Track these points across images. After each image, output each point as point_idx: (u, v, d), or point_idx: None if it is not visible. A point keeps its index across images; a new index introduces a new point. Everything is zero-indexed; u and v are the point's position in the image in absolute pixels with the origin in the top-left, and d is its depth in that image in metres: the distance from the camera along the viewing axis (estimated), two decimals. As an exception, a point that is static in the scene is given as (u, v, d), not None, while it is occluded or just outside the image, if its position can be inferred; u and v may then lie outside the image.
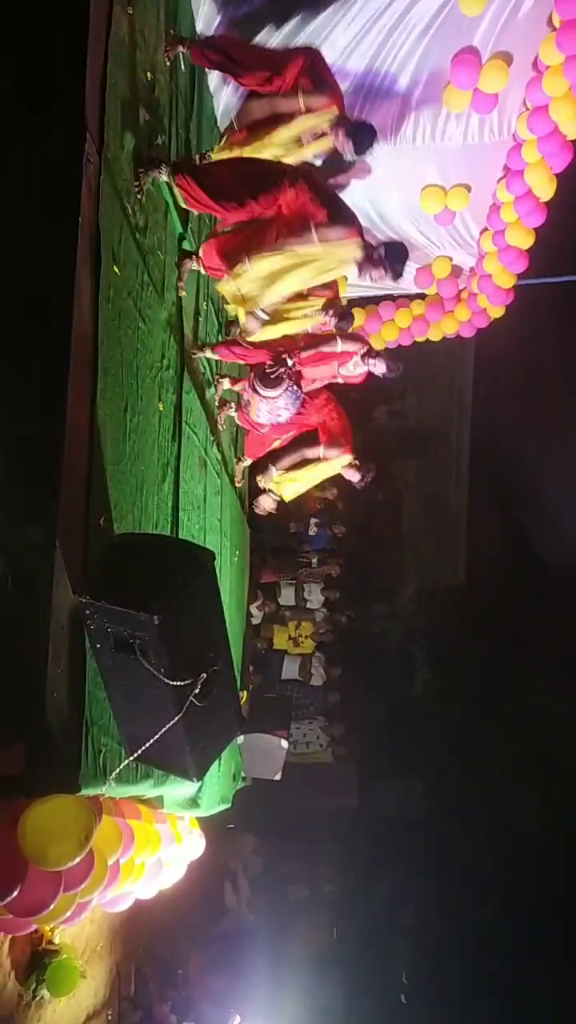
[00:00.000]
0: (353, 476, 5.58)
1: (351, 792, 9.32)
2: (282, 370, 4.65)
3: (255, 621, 8.84)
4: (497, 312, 6.39)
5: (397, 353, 7.14)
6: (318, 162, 4.83)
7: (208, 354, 4.98)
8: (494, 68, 4.59)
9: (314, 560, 9.48)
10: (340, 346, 5.05)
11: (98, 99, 3.20)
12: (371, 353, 5.12)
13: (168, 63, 4.19)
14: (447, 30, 4.59)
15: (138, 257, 3.62)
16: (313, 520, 9.50)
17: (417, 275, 6.40)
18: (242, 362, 5.21)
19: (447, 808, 9.32)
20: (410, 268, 6.30)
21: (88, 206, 3.04)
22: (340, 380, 5.37)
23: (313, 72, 4.32)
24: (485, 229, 5.80)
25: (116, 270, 3.27)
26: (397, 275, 4.34)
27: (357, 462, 5.50)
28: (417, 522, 10.89)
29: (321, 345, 5.02)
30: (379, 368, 5.08)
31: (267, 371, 4.67)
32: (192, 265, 4.44)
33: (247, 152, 4.38)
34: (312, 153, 4.51)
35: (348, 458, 5.47)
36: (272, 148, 4.35)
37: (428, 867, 9.37)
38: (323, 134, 4.37)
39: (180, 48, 4.29)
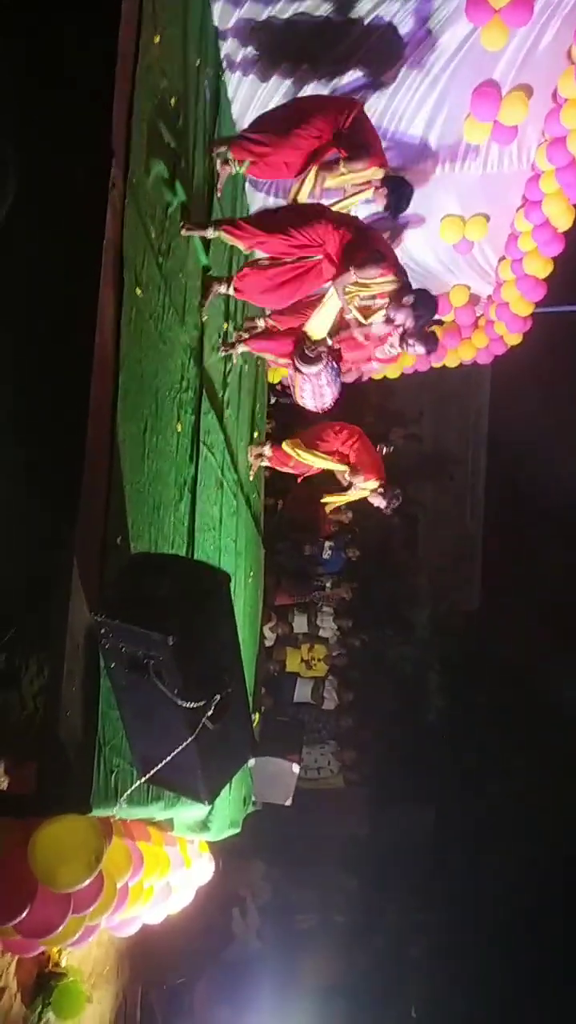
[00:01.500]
0: (380, 502, 5.66)
1: (362, 819, 9.21)
2: (321, 348, 4.71)
3: (268, 643, 8.80)
4: (514, 339, 6.42)
5: (415, 379, 7.18)
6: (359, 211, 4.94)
7: (241, 349, 5.09)
8: (514, 101, 4.64)
9: (328, 583, 9.45)
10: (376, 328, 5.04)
11: (124, 124, 3.26)
12: (408, 333, 5.06)
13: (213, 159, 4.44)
14: (469, 63, 4.65)
15: (160, 280, 3.66)
16: (328, 544, 9.48)
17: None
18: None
19: (459, 838, 9.19)
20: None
21: (112, 229, 3.08)
22: (375, 365, 5.38)
23: (351, 138, 4.45)
24: (503, 258, 5.84)
25: (138, 292, 3.31)
26: (417, 327, 4.39)
27: (383, 488, 5.57)
28: (432, 547, 10.86)
29: (356, 326, 4.96)
30: (419, 349, 5.03)
31: (305, 350, 4.73)
32: (222, 289, 4.50)
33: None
34: (352, 204, 4.69)
35: (374, 483, 5.53)
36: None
37: (439, 898, 9.21)
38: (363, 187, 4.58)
39: (223, 149, 4.50)
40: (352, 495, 5.86)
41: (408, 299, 4.30)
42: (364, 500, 5.91)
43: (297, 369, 4.77)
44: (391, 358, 5.34)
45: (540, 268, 5.52)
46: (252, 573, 6.37)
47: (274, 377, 7.16)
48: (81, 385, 2.78)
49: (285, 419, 7.16)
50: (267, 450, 5.94)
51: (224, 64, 4.87)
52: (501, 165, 5.08)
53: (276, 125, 4.48)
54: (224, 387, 5.11)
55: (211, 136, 4.66)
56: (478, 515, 10.75)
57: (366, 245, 4.23)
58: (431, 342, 4.82)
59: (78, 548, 2.66)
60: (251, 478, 6.28)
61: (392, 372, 7.06)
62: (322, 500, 6.16)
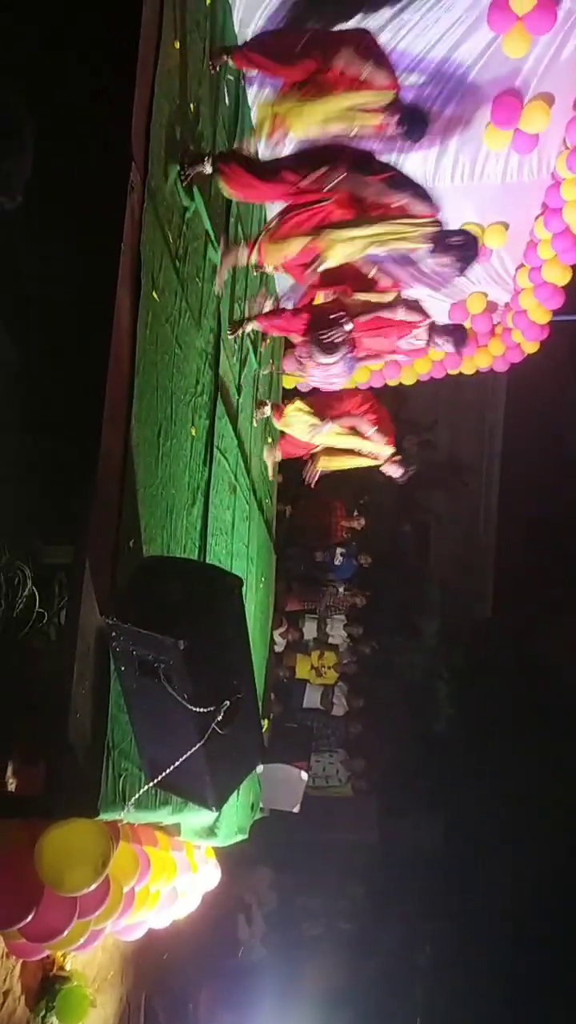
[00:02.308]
0: (395, 471, 5.59)
1: (370, 828, 9.17)
2: (339, 335, 4.48)
3: (278, 649, 8.78)
4: (531, 347, 6.39)
5: (430, 387, 7.16)
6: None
7: (249, 327, 4.98)
8: (536, 109, 4.63)
9: (340, 589, 9.43)
10: (401, 314, 4.89)
11: (143, 129, 3.27)
12: (436, 328, 4.93)
13: (213, 73, 4.23)
14: (490, 70, 4.63)
15: (177, 284, 3.67)
16: (340, 550, 9.46)
17: (451, 310, 6.42)
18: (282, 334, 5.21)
19: (468, 847, 9.12)
20: (444, 303, 6.33)
21: (130, 233, 3.09)
22: (399, 357, 5.31)
23: (369, 51, 4.21)
24: (521, 265, 5.82)
25: (155, 296, 3.31)
26: (464, 267, 4.30)
27: (399, 457, 5.46)
28: (444, 555, 10.80)
29: (380, 310, 4.85)
30: (447, 347, 4.96)
31: (323, 337, 4.51)
32: (241, 255, 4.40)
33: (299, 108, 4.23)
34: (359, 126, 4.33)
35: (390, 450, 5.43)
36: (322, 112, 4.21)
37: (446, 907, 9.15)
38: (373, 111, 4.21)
39: (224, 58, 4.27)
40: (356, 461, 5.64)
41: (456, 239, 4.23)
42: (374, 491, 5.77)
43: (311, 357, 4.63)
44: (416, 350, 5.22)
45: (559, 276, 5.50)
46: (263, 578, 6.36)
47: (288, 383, 7.15)
48: (96, 388, 2.79)
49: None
50: (268, 409, 5.70)
51: (244, 70, 4.88)
52: (521, 174, 5.06)
53: (283, 44, 4.28)
54: (239, 392, 5.11)
55: (231, 142, 4.67)
56: (491, 524, 10.69)
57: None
58: (460, 335, 4.78)
59: (90, 550, 2.65)
60: (271, 477, 6.25)
61: (408, 378, 7.04)
62: (317, 464, 5.83)
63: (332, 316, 4.64)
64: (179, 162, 3.80)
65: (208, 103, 4.23)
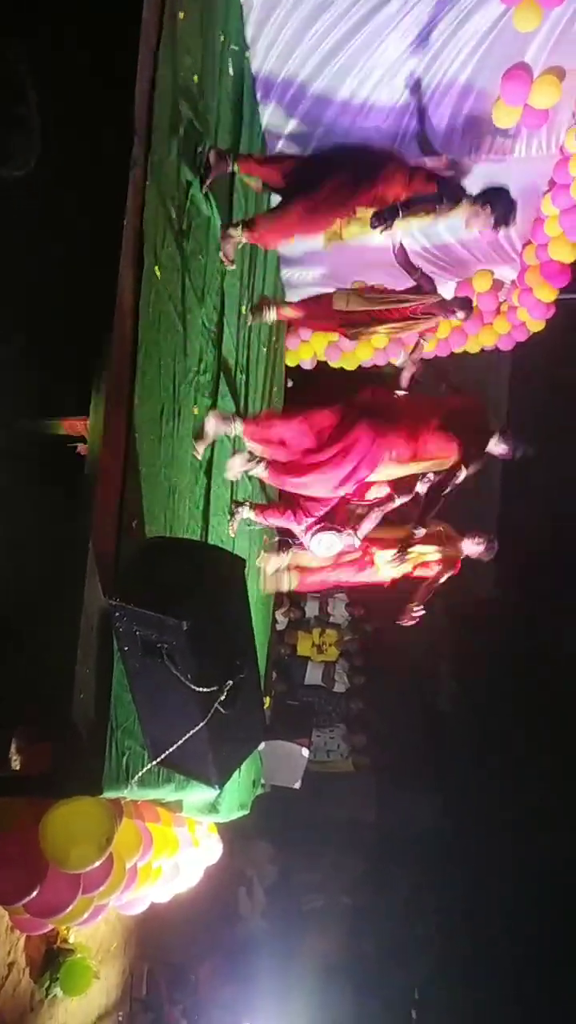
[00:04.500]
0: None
1: (370, 804, 9.25)
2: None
3: (280, 627, 8.82)
4: (537, 326, 6.33)
5: (433, 364, 7.10)
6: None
7: (272, 316, 4.95)
8: (546, 83, 4.54)
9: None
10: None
11: (147, 103, 3.21)
12: (447, 302, 4.83)
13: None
14: (499, 45, 4.54)
15: (180, 262, 3.63)
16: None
17: (457, 288, 6.36)
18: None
19: (466, 825, 9.20)
20: (451, 282, 6.27)
21: (133, 208, 3.05)
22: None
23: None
24: (528, 242, 5.75)
25: (158, 273, 3.28)
26: (502, 222, 4.28)
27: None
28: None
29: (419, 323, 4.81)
30: (461, 315, 4.89)
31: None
32: (241, 238, 4.31)
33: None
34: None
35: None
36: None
37: (444, 883, 9.25)
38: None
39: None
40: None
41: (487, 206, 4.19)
42: None
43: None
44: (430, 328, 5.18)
45: (566, 253, 5.43)
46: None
47: (292, 360, 7.11)
48: (98, 367, 2.77)
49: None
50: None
51: (248, 41, 4.79)
52: (530, 149, 4.98)
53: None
54: (242, 371, 5.08)
55: (237, 116, 4.59)
56: (494, 502, 10.65)
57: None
58: (468, 303, 4.79)
59: (93, 530, 2.65)
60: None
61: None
62: None
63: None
64: (197, 174, 3.77)
65: (212, 75, 4.16)
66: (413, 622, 5.04)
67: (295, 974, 7.79)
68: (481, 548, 4.99)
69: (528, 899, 8.84)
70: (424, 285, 4.65)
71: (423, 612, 5.03)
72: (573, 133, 4.74)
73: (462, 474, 4.38)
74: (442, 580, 5.02)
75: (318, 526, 4.67)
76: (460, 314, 4.71)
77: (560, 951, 8.47)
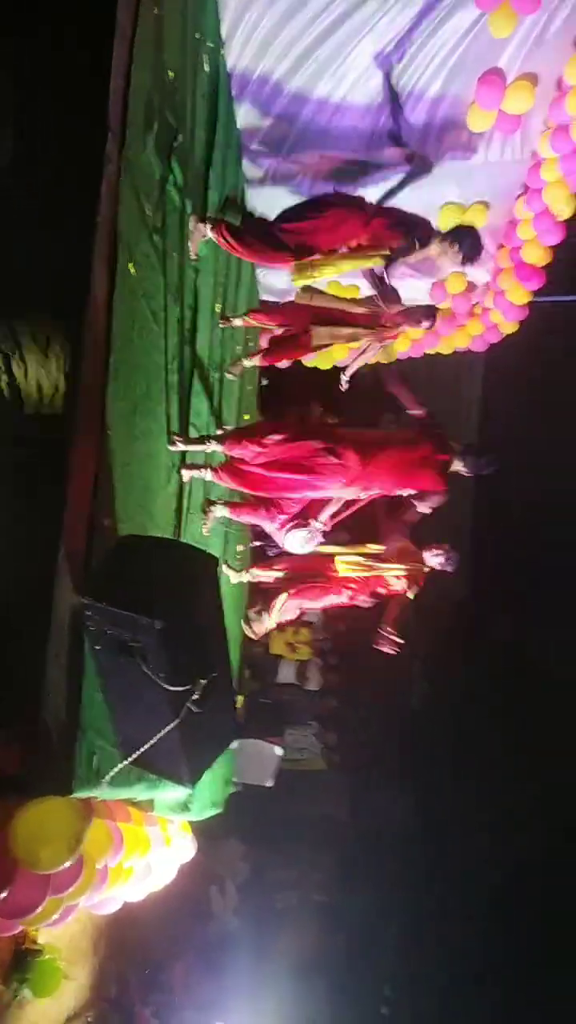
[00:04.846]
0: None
1: (343, 801, 9.28)
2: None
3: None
4: (510, 328, 6.38)
5: (406, 366, 7.14)
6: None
7: (238, 323, 5.00)
8: (520, 89, 4.58)
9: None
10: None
11: (121, 98, 3.20)
12: (412, 311, 4.90)
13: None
14: (474, 49, 4.57)
15: (154, 259, 3.61)
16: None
17: (432, 290, 6.39)
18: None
19: (438, 823, 9.27)
20: (425, 283, 6.30)
21: (107, 205, 3.03)
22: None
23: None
24: (502, 245, 5.80)
25: (132, 270, 3.26)
26: (470, 260, 4.36)
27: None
28: (419, 532, 10.81)
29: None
30: (425, 324, 4.93)
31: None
32: (207, 232, 4.30)
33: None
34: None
35: None
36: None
37: (416, 881, 9.31)
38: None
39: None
40: None
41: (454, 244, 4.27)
42: None
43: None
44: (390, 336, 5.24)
45: (539, 257, 5.48)
46: (239, 558, 6.34)
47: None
48: (72, 365, 2.75)
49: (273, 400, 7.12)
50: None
51: (224, 38, 4.77)
52: (503, 154, 5.02)
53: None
54: (216, 369, 5.07)
55: (212, 112, 4.57)
56: (468, 502, 10.72)
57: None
58: (431, 313, 4.84)
59: (65, 529, 2.63)
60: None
61: (386, 357, 7.01)
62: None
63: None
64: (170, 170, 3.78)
65: (187, 71, 4.14)
66: (391, 650, 5.08)
67: (268, 972, 7.80)
68: (441, 558, 5.03)
69: (500, 897, 8.93)
70: (389, 297, 4.71)
71: (401, 641, 5.07)
72: (546, 138, 4.78)
73: (423, 506, 4.58)
74: (410, 595, 5.06)
75: (292, 523, 4.69)
76: (425, 323, 4.76)
77: (531, 949, 8.56)
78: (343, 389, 5.08)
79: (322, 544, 4.97)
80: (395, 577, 4.98)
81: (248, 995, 7.05)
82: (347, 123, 5.02)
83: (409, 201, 5.11)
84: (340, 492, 4.48)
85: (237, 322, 5.07)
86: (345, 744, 9.36)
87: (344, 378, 4.97)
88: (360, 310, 4.72)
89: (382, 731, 9.61)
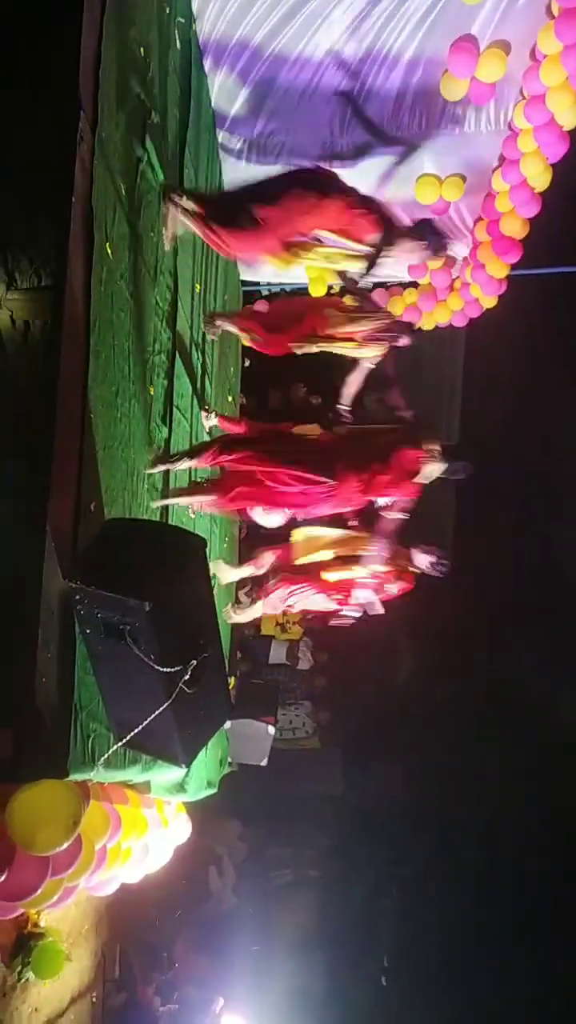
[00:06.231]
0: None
1: (336, 779, 9.37)
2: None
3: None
4: (490, 302, 6.38)
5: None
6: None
7: (227, 325, 4.93)
8: (492, 56, 4.56)
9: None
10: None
11: (92, 76, 3.14)
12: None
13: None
14: (446, 17, 4.55)
15: (132, 239, 3.58)
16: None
17: (410, 265, 6.37)
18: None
19: (431, 797, 9.39)
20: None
21: (81, 185, 2.99)
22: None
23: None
24: (480, 218, 5.79)
25: (108, 250, 3.23)
26: (436, 250, 4.33)
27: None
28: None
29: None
30: (403, 341, 4.94)
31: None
32: (178, 214, 4.14)
33: None
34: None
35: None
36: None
37: (411, 855, 9.44)
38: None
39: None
40: None
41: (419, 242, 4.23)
42: None
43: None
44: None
45: (517, 229, 5.47)
46: (227, 538, 6.36)
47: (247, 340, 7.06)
48: (51, 348, 2.73)
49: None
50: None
51: (195, 13, 4.72)
52: (479, 124, 5.00)
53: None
54: (198, 350, 5.04)
55: (185, 88, 4.52)
56: (450, 484, 10.73)
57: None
58: (407, 328, 4.88)
59: (51, 513, 2.62)
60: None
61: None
62: None
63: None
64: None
65: (158, 48, 4.08)
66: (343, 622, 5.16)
67: (267, 948, 7.90)
68: (431, 558, 5.06)
69: (494, 868, 9.07)
70: (367, 305, 4.71)
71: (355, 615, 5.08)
72: (521, 108, 4.77)
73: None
74: (397, 593, 5.07)
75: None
76: (403, 340, 4.78)
77: (527, 918, 8.71)
78: (344, 421, 4.88)
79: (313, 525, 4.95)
80: (384, 582, 5.01)
81: (247, 970, 7.15)
82: (323, 93, 5.01)
83: (384, 172, 5.09)
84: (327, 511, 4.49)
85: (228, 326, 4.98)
86: (338, 722, 9.44)
87: (344, 408, 4.88)
88: (345, 330, 4.66)
89: (373, 708, 9.70)
